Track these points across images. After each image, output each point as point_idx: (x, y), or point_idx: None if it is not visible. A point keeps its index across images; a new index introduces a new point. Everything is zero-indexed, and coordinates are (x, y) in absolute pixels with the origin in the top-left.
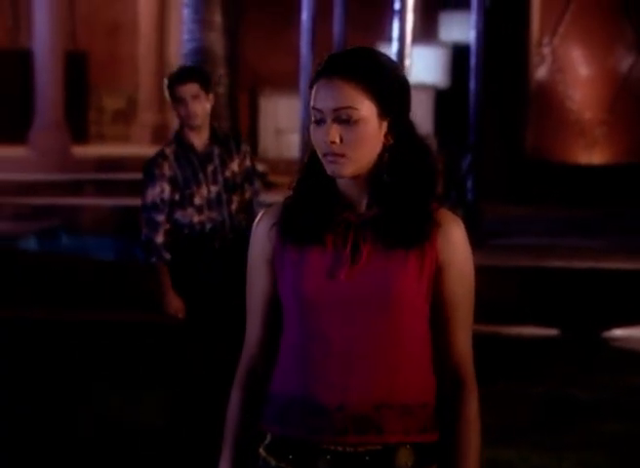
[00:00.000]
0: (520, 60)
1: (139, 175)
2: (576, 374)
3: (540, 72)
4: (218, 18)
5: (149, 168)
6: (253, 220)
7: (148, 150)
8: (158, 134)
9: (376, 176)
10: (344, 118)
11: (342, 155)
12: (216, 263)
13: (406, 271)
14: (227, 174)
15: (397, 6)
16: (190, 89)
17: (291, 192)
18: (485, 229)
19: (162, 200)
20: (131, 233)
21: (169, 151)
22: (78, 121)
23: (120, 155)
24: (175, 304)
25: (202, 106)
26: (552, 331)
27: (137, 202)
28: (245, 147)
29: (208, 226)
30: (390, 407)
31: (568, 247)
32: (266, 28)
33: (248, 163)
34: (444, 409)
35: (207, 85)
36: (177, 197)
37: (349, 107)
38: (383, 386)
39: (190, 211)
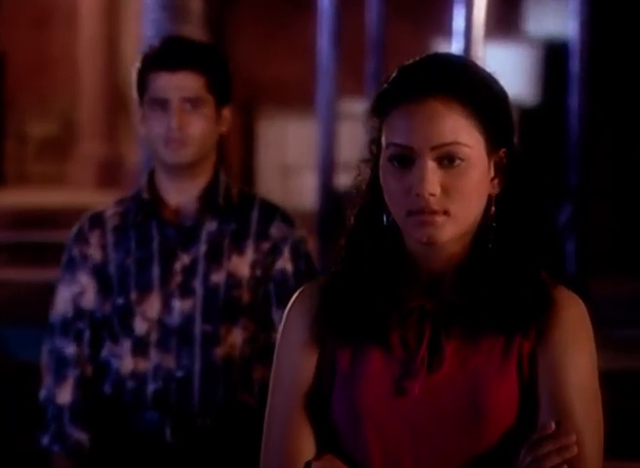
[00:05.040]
0: None
1: None
2: None
3: None
4: (196, 3)
5: (69, 243)
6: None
7: (93, 198)
8: (107, 174)
9: (475, 242)
10: (447, 159)
11: (444, 212)
12: None
13: (505, 375)
14: (217, 278)
15: None
16: (184, 83)
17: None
18: (594, 313)
19: (79, 312)
20: None
21: (112, 212)
22: None
23: (51, 205)
24: None
25: (204, 124)
26: None
27: None
28: (283, 232)
29: (151, 387)
30: None
31: None
32: (268, 19)
33: (286, 265)
34: None
35: (220, 83)
36: (107, 309)
37: (456, 143)
38: None
39: (126, 344)
